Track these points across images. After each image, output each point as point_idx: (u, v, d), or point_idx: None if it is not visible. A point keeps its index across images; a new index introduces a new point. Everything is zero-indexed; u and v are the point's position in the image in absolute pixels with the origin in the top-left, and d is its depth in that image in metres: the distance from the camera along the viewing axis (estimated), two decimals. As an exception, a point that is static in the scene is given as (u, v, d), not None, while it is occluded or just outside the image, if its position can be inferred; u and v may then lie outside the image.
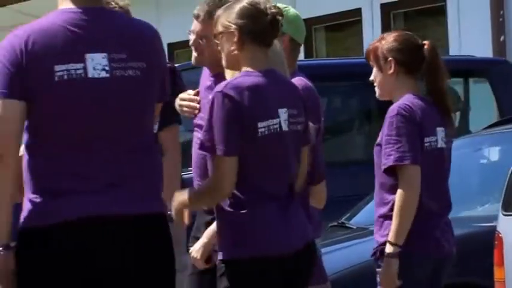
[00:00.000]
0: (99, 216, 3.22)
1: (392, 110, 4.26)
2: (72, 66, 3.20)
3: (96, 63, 3.21)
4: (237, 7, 3.69)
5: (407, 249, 4.27)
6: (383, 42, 4.38)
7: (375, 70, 4.40)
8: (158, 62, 3.34)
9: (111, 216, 3.25)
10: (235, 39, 3.65)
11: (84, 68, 3.21)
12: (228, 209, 3.80)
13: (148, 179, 3.35)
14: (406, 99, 4.28)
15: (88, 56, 3.21)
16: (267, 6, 3.69)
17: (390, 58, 4.33)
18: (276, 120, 3.73)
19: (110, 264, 3.29)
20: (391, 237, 4.22)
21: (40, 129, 3.30)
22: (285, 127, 3.75)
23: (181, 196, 3.97)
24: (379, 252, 4.36)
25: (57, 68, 3.18)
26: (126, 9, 4.70)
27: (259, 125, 3.67)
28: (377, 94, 4.47)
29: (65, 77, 3.20)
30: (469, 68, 8.19)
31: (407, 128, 4.23)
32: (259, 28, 3.67)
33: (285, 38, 4.31)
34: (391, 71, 4.29)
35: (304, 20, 4.42)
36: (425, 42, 4.47)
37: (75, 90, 3.22)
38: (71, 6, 3.28)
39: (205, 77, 4.52)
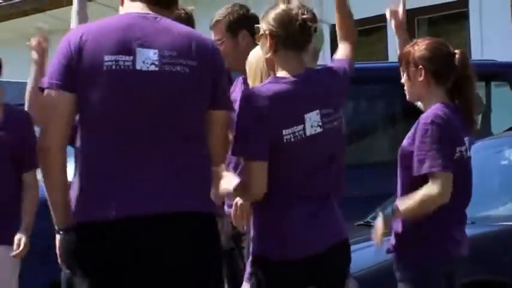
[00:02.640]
0: (154, 213, 3.17)
1: (427, 117, 4.22)
2: (121, 57, 3.17)
3: (146, 58, 3.17)
4: (272, 13, 3.73)
5: (427, 251, 4.22)
6: (415, 48, 4.32)
7: (405, 74, 4.34)
8: (211, 66, 3.29)
9: (166, 213, 3.21)
10: (268, 44, 3.67)
11: (133, 61, 3.18)
12: (260, 209, 3.81)
13: (194, 175, 3.28)
14: (439, 109, 4.23)
15: (138, 50, 3.19)
16: (300, 12, 3.70)
17: (421, 66, 4.27)
18: (300, 127, 3.71)
19: (166, 258, 3.22)
20: (401, 207, 4.14)
21: (93, 122, 3.26)
22: (312, 131, 3.73)
23: (225, 187, 3.86)
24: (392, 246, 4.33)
25: (107, 58, 3.15)
26: (190, 14, 4.74)
27: (284, 132, 3.66)
28: (407, 97, 4.43)
29: (113, 67, 3.16)
30: (490, 72, 8.11)
31: (442, 137, 4.19)
32: (289, 33, 3.68)
33: None
34: (421, 78, 4.24)
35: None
36: (456, 51, 4.38)
37: (122, 79, 3.18)
38: (130, 11, 3.32)
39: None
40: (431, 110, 4.20)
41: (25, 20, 14.06)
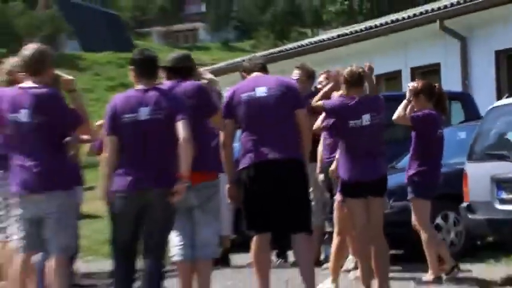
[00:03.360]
0: (268, 160, 5.49)
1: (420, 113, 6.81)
2: (253, 93, 5.68)
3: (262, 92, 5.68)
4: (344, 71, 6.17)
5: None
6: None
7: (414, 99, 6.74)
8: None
9: (274, 159, 5.48)
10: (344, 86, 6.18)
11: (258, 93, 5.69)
12: (342, 158, 6.14)
13: (292, 140, 5.60)
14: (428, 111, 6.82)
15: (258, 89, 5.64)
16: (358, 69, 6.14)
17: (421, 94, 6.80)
18: (359, 121, 6.00)
19: (273, 184, 5.47)
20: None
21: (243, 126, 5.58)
22: (364, 123, 5.98)
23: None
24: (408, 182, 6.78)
25: (249, 94, 5.70)
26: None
27: (350, 122, 6.00)
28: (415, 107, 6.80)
29: (249, 99, 5.65)
30: (450, 96, 9.32)
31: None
32: (353, 80, 6.15)
33: None
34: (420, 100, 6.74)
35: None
36: (436, 85, 6.96)
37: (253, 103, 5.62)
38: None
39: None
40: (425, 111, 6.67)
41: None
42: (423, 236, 6.79)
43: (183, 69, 5.64)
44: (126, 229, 5.05)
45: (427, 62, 14.77)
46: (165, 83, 5.61)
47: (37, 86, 5.17)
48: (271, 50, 21.31)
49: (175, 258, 5.56)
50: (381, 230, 6.09)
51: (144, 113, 5.00)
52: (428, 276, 6.83)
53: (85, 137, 6.17)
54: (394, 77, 15.43)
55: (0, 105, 5.20)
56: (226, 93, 5.74)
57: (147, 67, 5.18)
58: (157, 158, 4.99)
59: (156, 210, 4.96)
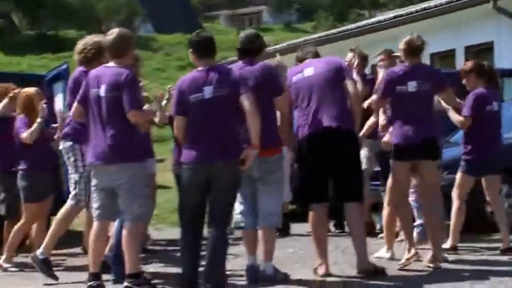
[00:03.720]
0: (323, 128, 5.56)
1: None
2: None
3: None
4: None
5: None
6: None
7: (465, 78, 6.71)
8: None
9: (328, 128, 5.54)
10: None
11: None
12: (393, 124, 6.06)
13: (345, 113, 5.65)
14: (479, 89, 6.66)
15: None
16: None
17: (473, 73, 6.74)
18: (404, 87, 5.93)
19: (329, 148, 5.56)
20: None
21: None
22: (410, 89, 5.88)
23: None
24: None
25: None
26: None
27: (397, 88, 5.89)
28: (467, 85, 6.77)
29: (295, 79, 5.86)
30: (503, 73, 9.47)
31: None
32: (411, 49, 6.03)
33: None
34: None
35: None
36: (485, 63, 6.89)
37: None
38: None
39: None
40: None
41: None
42: (455, 204, 6.78)
43: (253, 49, 5.62)
44: (192, 199, 5.06)
45: (481, 41, 14.52)
46: (237, 63, 5.63)
47: (116, 65, 5.26)
48: (331, 31, 21.13)
49: (240, 227, 5.59)
50: (436, 192, 6.00)
51: (208, 91, 5.02)
52: (446, 244, 6.71)
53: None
54: (448, 56, 15.19)
55: (87, 82, 5.32)
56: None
57: (204, 48, 5.18)
58: (222, 132, 5.00)
59: (221, 182, 4.97)
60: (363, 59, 7.42)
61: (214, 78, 5.05)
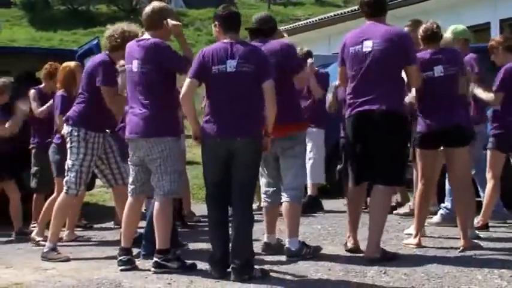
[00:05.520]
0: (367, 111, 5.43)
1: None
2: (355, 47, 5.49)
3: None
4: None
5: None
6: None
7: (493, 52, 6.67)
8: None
9: (371, 110, 5.40)
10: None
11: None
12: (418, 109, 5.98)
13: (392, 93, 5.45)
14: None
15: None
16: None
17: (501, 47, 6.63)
18: (430, 72, 5.86)
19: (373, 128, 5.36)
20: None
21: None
22: (437, 74, 5.85)
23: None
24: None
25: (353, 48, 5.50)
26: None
27: (424, 74, 5.80)
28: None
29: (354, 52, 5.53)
30: None
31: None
32: (427, 35, 5.99)
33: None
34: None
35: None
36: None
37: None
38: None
39: None
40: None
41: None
42: (489, 184, 6.74)
43: (266, 30, 5.69)
44: (215, 175, 5.02)
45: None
46: (253, 42, 5.62)
47: (148, 38, 5.28)
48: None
49: (262, 203, 5.58)
50: (467, 181, 5.94)
51: (231, 65, 4.97)
52: (477, 222, 6.69)
53: None
54: (482, 29, 14.80)
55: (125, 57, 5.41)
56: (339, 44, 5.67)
57: (231, 22, 5.17)
58: (242, 109, 4.92)
59: (241, 159, 4.91)
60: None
61: (239, 53, 4.98)
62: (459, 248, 5.76)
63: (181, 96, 5.07)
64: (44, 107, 7.47)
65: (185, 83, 5.08)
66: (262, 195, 5.73)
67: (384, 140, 5.34)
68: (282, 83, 5.29)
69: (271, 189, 5.64)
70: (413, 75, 5.57)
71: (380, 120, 5.32)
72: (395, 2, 17.34)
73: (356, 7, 20.81)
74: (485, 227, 6.75)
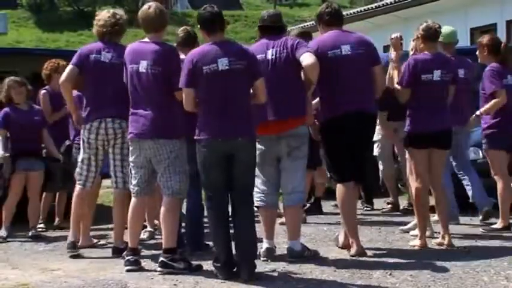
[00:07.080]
0: (355, 111, 5.54)
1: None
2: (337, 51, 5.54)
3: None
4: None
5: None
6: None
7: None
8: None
9: (358, 111, 5.54)
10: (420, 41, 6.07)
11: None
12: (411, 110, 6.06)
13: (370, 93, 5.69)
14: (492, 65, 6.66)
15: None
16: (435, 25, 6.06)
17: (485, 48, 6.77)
18: (430, 75, 5.96)
19: (356, 130, 5.54)
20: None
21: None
22: (435, 78, 5.93)
23: None
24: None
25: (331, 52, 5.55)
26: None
27: (422, 76, 5.92)
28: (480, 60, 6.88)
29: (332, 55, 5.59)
30: None
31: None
32: (429, 34, 6.04)
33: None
34: (485, 53, 6.77)
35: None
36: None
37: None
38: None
39: None
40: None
41: None
42: (499, 185, 6.72)
43: (277, 27, 5.65)
44: (215, 175, 4.94)
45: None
46: (262, 39, 5.60)
47: (156, 41, 5.30)
48: (369, 6, 20.89)
49: (259, 204, 5.54)
50: (440, 180, 6.06)
51: (222, 63, 4.91)
52: (498, 224, 6.72)
53: None
54: (489, 30, 14.53)
55: (126, 57, 5.38)
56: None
57: (212, 22, 5.07)
58: (241, 108, 4.90)
59: (242, 158, 4.87)
60: None
61: (228, 51, 4.94)
62: (465, 248, 5.78)
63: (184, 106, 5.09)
64: (58, 115, 7.60)
65: (184, 97, 5.05)
66: (258, 195, 5.51)
67: (364, 140, 5.63)
68: (287, 76, 5.32)
69: (268, 189, 5.53)
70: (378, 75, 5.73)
71: (361, 120, 5.56)
72: (402, 3, 17.35)
73: (362, 8, 20.89)
74: (507, 228, 6.69)
